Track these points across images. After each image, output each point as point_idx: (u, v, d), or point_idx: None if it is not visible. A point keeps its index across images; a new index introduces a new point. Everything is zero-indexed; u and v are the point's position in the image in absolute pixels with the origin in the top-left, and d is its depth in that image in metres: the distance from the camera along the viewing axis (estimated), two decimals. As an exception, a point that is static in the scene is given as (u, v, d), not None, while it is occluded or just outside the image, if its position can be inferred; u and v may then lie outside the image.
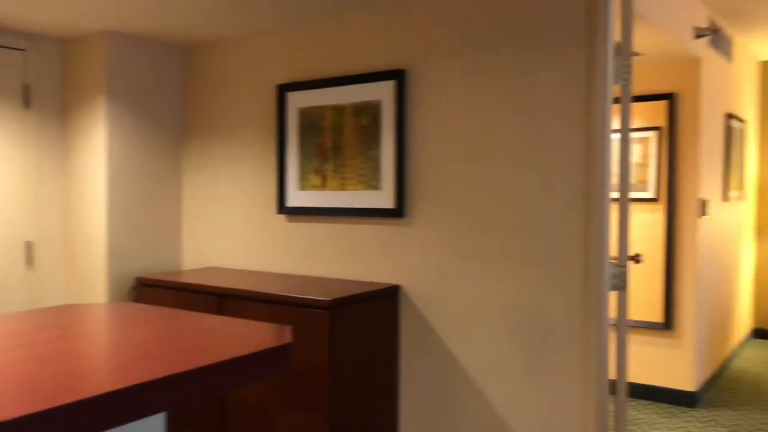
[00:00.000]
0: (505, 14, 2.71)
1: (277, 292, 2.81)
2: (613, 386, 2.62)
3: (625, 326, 2.71)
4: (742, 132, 5.50)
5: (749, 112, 5.83)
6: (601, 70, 2.51)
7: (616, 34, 2.59)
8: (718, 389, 4.66)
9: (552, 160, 2.61)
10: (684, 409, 4.25)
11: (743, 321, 5.83)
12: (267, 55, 3.49)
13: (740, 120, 5.38)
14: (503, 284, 2.73)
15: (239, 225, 3.62)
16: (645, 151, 4.43)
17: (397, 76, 2.94)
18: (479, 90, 2.77)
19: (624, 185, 2.67)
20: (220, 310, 2.99)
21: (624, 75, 2.62)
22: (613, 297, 2.61)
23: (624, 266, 2.65)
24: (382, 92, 2.98)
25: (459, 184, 2.83)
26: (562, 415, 2.60)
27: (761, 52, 5.85)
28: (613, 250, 2.65)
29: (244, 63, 3.60)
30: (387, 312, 2.95)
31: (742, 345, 5.76)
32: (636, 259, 3.55)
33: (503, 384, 2.74)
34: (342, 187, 3.12)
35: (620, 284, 2.64)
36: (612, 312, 2.61)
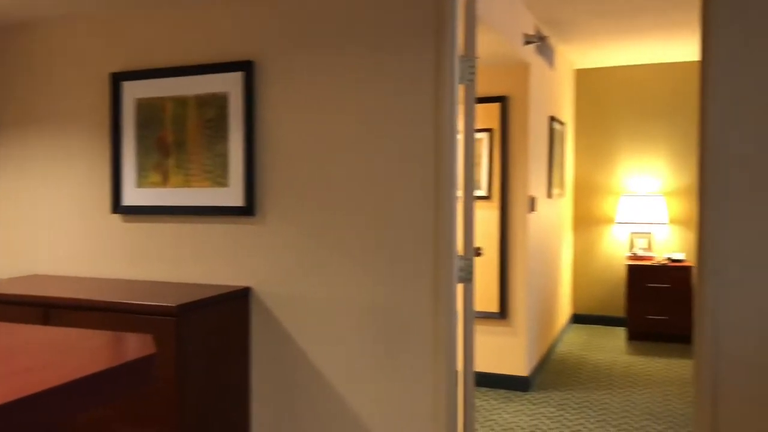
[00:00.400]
0: (356, 13, 2.69)
1: (114, 300, 2.57)
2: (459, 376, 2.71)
3: (472, 317, 2.81)
4: (562, 134, 5.99)
5: (567, 115, 6.37)
6: (448, 71, 2.58)
7: (460, 36, 2.68)
8: (547, 372, 5.03)
9: (403, 158, 2.64)
10: (518, 393, 4.53)
11: (565, 307, 6.36)
12: (100, 40, 3.19)
13: (561, 123, 5.86)
14: (357, 282, 2.72)
15: (67, 227, 3.27)
16: (478, 151, 4.66)
17: (246, 67, 2.82)
18: (332, 85, 2.74)
19: (469, 183, 2.77)
20: (47, 324, 2.68)
21: (468, 76, 2.72)
22: (459, 289, 2.70)
23: (470, 259, 2.75)
24: (229, 84, 2.84)
25: (311, 181, 2.78)
26: (415, 408, 2.64)
27: (577, 60, 6.42)
28: (458, 244, 2.75)
29: (73, 48, 3.26)
30: (237, 316, 2.82)
31: (564, 330, 6.28)
32: (477, 252, 3.72)
33: (358, 382, 2.73)
34: (186, 184, 2.93)
35: (467, 276, 2.74)
36: (457, 304, 2.69)
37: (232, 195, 2.85)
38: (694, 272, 2.42)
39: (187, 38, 2.98)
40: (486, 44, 3.92)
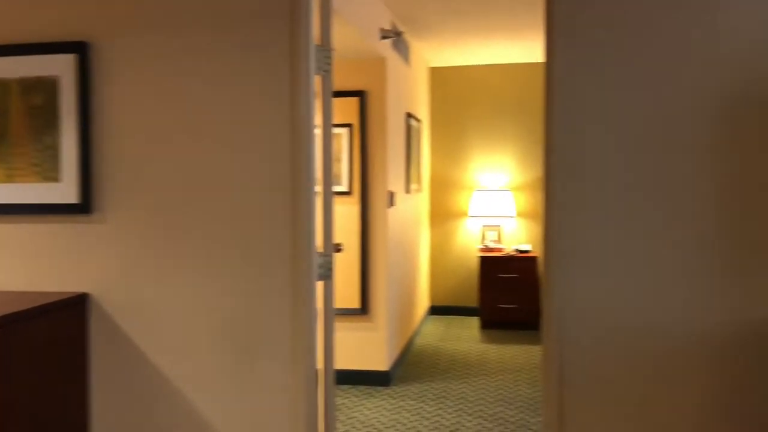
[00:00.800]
0: (204, -7, 2.52)
1: None
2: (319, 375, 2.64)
3: (332, 315, 2.75)
4: (419, 130, 6.09)
5: (423, 112, 6.50)
6: (303, 60, 2.49)
7: (316, 26, 2.59)
8: (406, 365, 5.09)
9: (258, 151, 2.51)
10: (379, 388, 4.54)
11: (422, 300, 6.50)
12: None
13: (417, 119, 5.95)
14: (209, 283, 2.55)
15: None
16: (338, 146, 4.61)
17: (79, 49, 2.54)
18: (179, 73, 2.53)
19: (327, 177, 2.69)
20: None
21: (325, 66, 2.64)
22: (318, 287, 2.62)
23: (330, 256, 2.68)
24: (60, 67, 2.54)
25: (158, 176, 2.56)
26: (274, 413, 2.52)
27: (431, 58, 6.56)
28: (318, 241, 2.67)
29: None
30: (73, 326, 2.54)
31: (423, 322, 6.41)
32: (338, 248, 3.65)
33: (213, 391, 2.56)
34: (9, 180, 2.59)
35: (326, 273, 2.66)
36: (317, 302, 2.61)
37: (64, 191, 2.56)
38: (540, 262, 2.50)
39: (8, 13, 2.63)
40: (343, 37, 3.86)
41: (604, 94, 2.34)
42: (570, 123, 2.36)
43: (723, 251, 2.28)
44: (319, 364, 2.65)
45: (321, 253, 2.64)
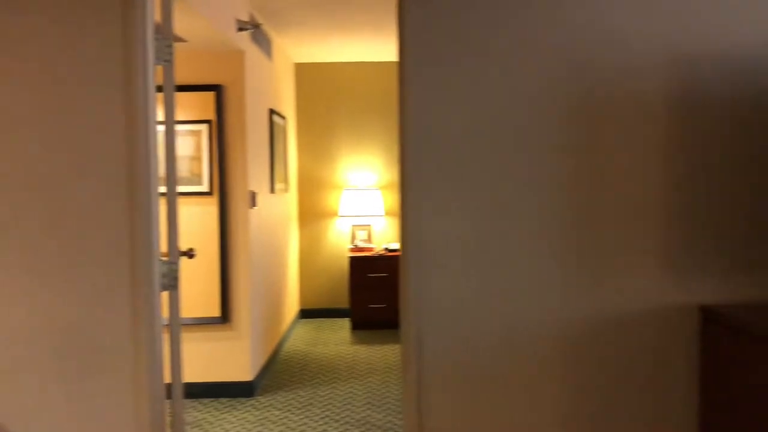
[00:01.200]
0: (17, -33, 2.21)
1: None
2: (168, 390, 2.42)
3: (179, 327, 2.52)
4: (284, 128, 5.89)
5: (289, 109, 6.30)
6: (140, 49, 2.25)
7: (156, 13, 2.37)
8: (273, 373, 4.89)
9: (88, 148, 2.24)
10: (242, 400, 4.31)
11: (292, 304, 6.30)
12: None
13: (282, 116, 5.75)
14: (32, 299, 2.24)
15: None
16: (198, 144, 4.33)
17: None
18: (-14, 57, 2.21)
19: (171, 177, 2.46)
20: None
21: (166, 56, 2.41)
22: (164, 297, 2.39)
23: (175, 263, 2.45)
24: None
25: (-39, 177, 2.22)
26: (114, 438, 2.27)
27: (296, 54, 6.38)
28: (163, 246, 2.44)
29: None
30: None
31: (292, 327, 6.22)
32: (189, 254, 3.40)
33: (41, 418, 2.26)
34: None
35: (171, 283, 2.44)
36: (164, 312, 2.39)
37: None
38: (404, 264, 2.43)
39: None
40: (196, 27, 3.60)
41: (457, 92, 2.30)
42: (423, 121, 2.30)
43: (573, 253, 2.30)
44: (168, 379, 2.42)
45: (165, 260, 2.41)
